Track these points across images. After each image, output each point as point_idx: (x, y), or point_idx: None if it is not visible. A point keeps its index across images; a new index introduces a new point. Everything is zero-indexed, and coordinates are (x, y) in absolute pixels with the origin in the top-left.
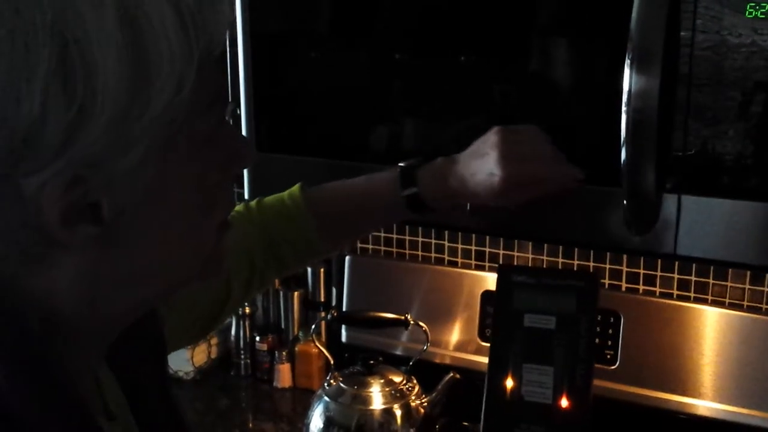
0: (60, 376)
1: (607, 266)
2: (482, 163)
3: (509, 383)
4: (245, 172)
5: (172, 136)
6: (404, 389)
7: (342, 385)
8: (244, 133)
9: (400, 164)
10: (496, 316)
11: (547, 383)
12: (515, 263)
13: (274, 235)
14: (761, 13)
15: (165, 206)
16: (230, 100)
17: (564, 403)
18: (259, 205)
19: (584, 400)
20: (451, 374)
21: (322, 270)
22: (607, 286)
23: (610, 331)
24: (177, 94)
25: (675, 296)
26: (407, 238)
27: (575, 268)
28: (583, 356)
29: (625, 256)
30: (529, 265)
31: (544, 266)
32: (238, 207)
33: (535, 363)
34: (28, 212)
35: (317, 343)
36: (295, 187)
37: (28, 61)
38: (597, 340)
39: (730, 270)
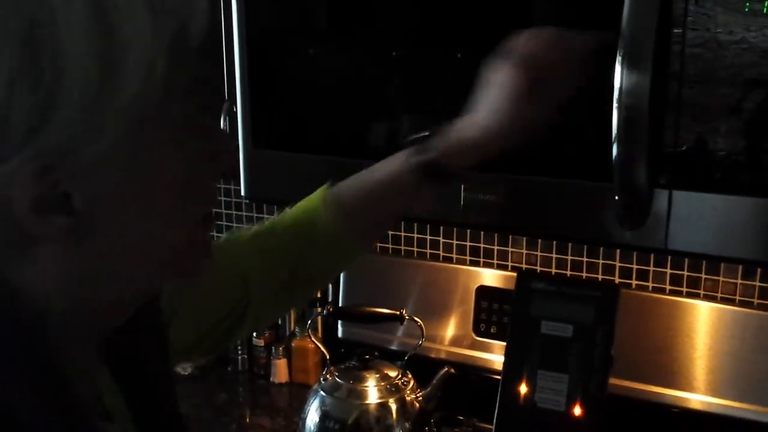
0: (55, 375)
1: (600, 261)
2: (489, 90)
3: (523, 389)
4: (241, 169)
5: (146, 123)
6: (400, 384)
7: (338, 379)
8: (240, 130)
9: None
10: (513, 322)
11: (561, 391)
12: (509, 259)
13: (299, 248)
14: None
15: (141, 196)
16: (225, 96)
17: (577, 411)
18: (282, 220)
19: (597, 410)
20: (446, 369)
21: None
22: (599, 280)
23: None
24: (148, 79)
25: (667, 291)
26: (402, 234)
27: (568, 263)
28: (598, 366)
29: (617, 251)
30: (523, 261)
31: (537, 262)
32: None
33: (550, 370)
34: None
35: (313, 339)
36: (320, 189)
37: None
38: None
39: (722, 265)
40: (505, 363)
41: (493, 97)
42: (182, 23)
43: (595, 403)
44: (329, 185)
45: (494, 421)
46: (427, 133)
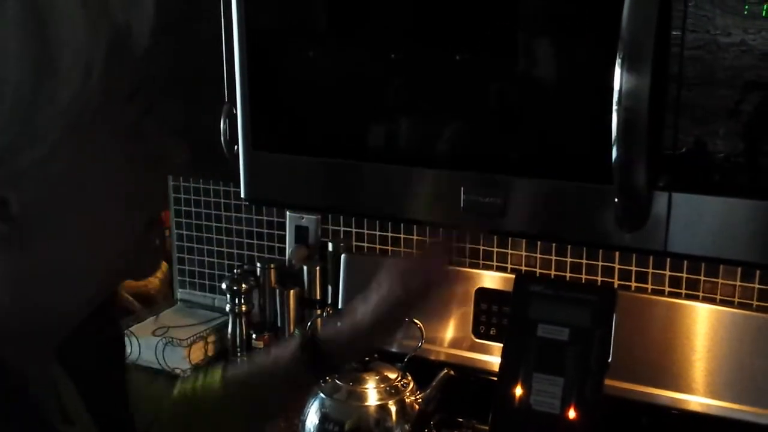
0: (10, 379)
1: (599, 263)
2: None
3: (518, 391)
4: (241, 171)
5: (85, 128)
6: (399, 386)
7: (337, 381)
8: (240, 132)
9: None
10: (510, 324)
11: (556, 393)
12: (509, 261)
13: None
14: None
15: (82, 202)
16: (225, 98)
17: (572, 414)
18: None
19: (592, 413)
20: (446, 371)
21: (317, 268)
22: (599, 282)
23: None
24: (86, 81)
25: (666, 293)
26: (402, 236)
27: (567, 265)
28: (594, 369)
29: (617, 253)
30: (523, 263)
31: (537, 264)
32: None
33: (546, 373)
34: None
35: None
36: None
37: None
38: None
39: (721, 267)
40: (501, 365)
41: (375, 298)
42: (124, 26)
43: (591, 406)
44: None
45: (489, 422)
46: (311, 330)
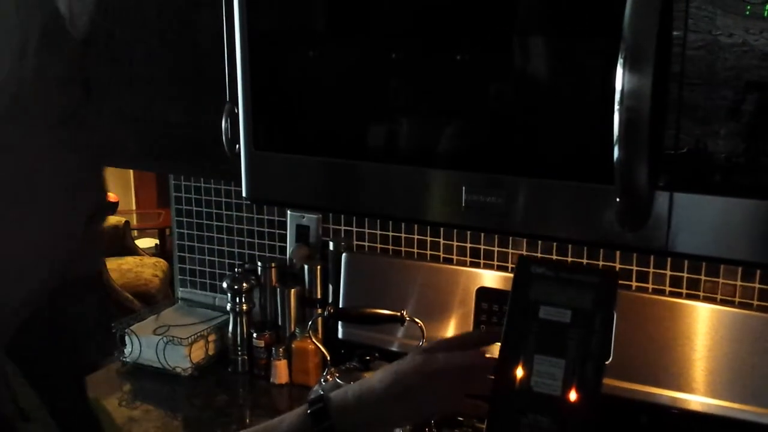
0: None
1: (600, 262)
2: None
3: (519, 372)
4: (243, 170)
5: (18, 114)
6: None
7: (338, 380)
8: (242, 132)
9: (308, 400)
10: (511, 306)
11: (557, 375)
12: (509, 260)
13: None
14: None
15: (19, 189)
16: (227, 98)
17: (573, 396)
18: None
19: (593, 395)
20: None
21: (318, 267)
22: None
23: None
24: (20, 62)
25: (667, 292)
26: (403, 235)
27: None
28: (595, 352)
29: (618, 253)
30: None
31: None
32: None
33: (547, 355)
34: None
35: (314, 340)
36: None
37: None
38: None
39: (721, 266)
40: (501, 347)
41: (394, 366)
42: (61, 9)
43: (591, 388)
44: None
45: (489, 404)
46: (322, 395)
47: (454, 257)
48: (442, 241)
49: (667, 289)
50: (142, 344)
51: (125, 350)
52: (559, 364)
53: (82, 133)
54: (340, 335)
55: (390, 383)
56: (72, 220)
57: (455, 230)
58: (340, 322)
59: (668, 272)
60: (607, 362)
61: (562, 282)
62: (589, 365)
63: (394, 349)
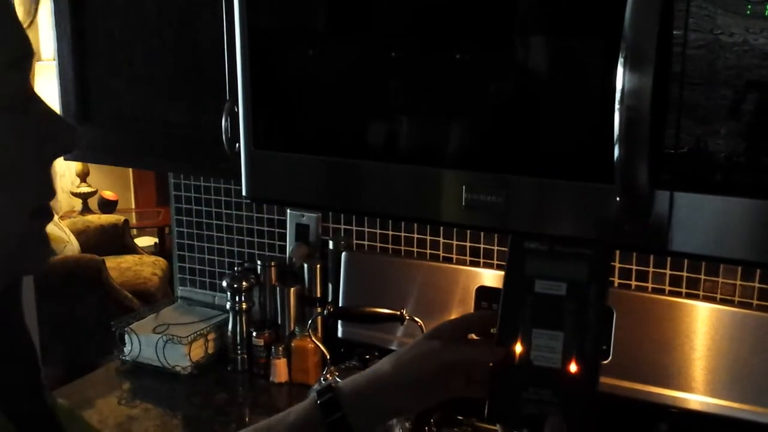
0: None
1: None
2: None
3: (518, 348)
4: (243, 169)
5: None
6: None
7: (338, 379)
8: (242, 130)
9: (316, 390)
10: (507, 282)
11: (556, 348)
12: None
13: None
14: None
15: None
16: (227, 96)
17: (573, 367)
18: None
19: (592, 366)
20: None
21: (318, 266)
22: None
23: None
24: None
25: (667, 292)
26: (402, 234)
27: None
28: (592, 323)
29: (617, 252)
30: None
31: None
32: None
33: (545, 328)
34: None
35: (313, 339)
36: None
37: None
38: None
39: (721, 266)
40: (499, 324)
41: (405, 354)
42: None
43: (590, 359)
44: None
45: (489, 382)
46: (330, 384)
47: (454, 256)
48: (441, 240)
49: (667, 288)
50: (141, 343)
51: (125, 349)
52: (557, 337)
53: (28, 123)
54: (339, 334)
55: (402, 371)
56: (17, 216)
57: (455, 229)
58: (339, 321)
59: (668, 271)
60: (604, 348)
61: (555, 255)
62: (587, 336)
63: (393, 348)
